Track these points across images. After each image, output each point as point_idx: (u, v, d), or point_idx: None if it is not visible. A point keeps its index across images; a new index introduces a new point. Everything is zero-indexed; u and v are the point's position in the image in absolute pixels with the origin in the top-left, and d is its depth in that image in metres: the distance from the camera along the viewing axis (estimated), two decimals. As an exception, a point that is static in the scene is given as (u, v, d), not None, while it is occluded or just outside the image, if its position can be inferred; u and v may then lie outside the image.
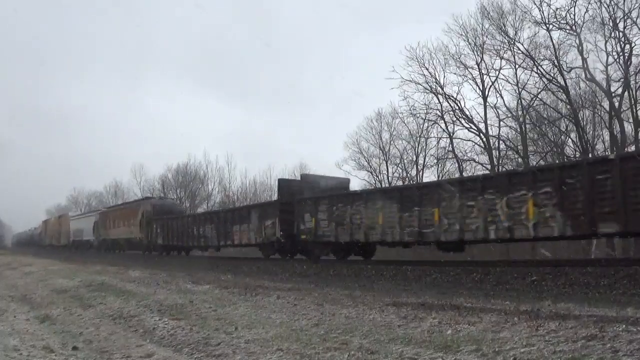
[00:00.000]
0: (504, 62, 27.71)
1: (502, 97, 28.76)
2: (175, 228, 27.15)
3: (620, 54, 23.48)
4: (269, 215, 19.18)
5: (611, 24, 23.33)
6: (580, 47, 24.17)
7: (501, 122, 28.94)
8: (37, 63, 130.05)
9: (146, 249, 30.51)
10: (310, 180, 19.82)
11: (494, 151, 28.94)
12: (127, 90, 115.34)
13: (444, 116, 30.00)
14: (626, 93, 23.69)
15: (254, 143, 77.46)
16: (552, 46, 25.28)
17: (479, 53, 28.32)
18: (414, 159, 34.43)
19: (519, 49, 26.70)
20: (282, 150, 72.02)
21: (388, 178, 35.97)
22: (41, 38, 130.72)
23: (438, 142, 32.30)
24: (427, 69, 29.75)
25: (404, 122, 33.95)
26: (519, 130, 28.02)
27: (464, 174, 29.05)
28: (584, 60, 24.30)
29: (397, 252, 16.82)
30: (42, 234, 60.91)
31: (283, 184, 20.34)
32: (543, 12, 25.13)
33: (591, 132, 26.56)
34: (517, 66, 27.13)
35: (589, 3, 23.51)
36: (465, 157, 30.61)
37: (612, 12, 23.18)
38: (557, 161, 24.47)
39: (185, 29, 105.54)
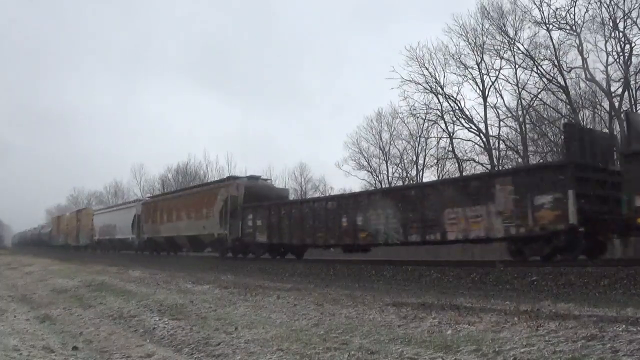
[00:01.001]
0: (504, 62, 27.79)
1: (502, 97, 28.82)
2: (295, 218, 18.02)
3: (620, 54, 23.51)
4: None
5: (611, 24, 23.36)
6: (580, 47, 24.22)
7: (501, 122, 29.01)
8: (37, 63, 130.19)
9: (230, 250, 21.72)
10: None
11: (494, 151, 28.99)
12: (127, 90, 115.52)
13: (444, 116, 30.07)
14: (626, 93, 23.71)
15: (254, 143, 77.59)
16: (552, 46, 25.34)
17: (479, 53, 28.39)
18: (414, 159, 34.49)
19: (519, 49, 26.76)
20: (282, 150, 72.16)
21: (388, 178, 36.01)
22: (41, 38, 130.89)
23: (438, 142, 32.38)
24: (427, 69, 29.84)
25: (404, 122, 34.05)
26: (519, 130, 28.06)
27: (463, 173, 29.07)
28: (584, 60, 24.34)
29: (398, 251, 16.97)
30: (52, 232, 53.91)
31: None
32: (543, 12, 25.20)
33: (591, 132, 26.54)
34: (517, 66, 27.20)
35: (589, 3, 23.57)
36: (465, 157, 30.66)
37: (612, 12, 23.23)
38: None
39: (185, 29, 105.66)
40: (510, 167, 26.31)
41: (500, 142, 28.99)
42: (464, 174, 29.03)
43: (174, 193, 31.08)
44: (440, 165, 33.48)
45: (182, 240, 25.64)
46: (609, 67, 23.91)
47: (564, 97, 25.84)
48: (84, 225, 41.94)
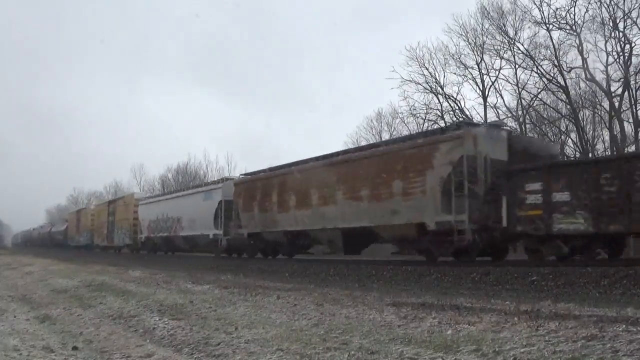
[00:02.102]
0: (504, 62, 27.79)
1: (502, 97, 28.83)
2: None
3: (620, 54, 23.52)
4: None
5: (611, 24, 23.37)
6: (580, 47, 24.23)
7: (501, 122, 28.98)
8: (37, 63, 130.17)
9: (472, 248, 12.26)
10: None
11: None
12: (127, 90, 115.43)
13: (444, 116, 30.02)
14: (626, 93, 23.72)
15: (254, 143, 77.54)
16: (552, 46, 25.34)
17: (479, 53, 28.39)
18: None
19: (519, 49, 26.76)
20: (282, 149, 72.08)
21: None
22: (41, 38, 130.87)
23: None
24: (427, 69, 29.82)
25: (404, 122, 34.00)
26: (519, 130, 28.05)
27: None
28: (584, 60, 24.35)
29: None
30: (70, 230, 46.27)
31: None
32: (543, 12, 25.21)
33: (591, 132, 26.61)
34: (517, 66, 27.21)
35: (589, 3, 23.58)
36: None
37: (612, 12, 23.24)
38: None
39: (185, 29, 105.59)
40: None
41: (501, 142, 28.97)
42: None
43: (313, 161, 17.26)
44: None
45: (333, 236, 15.79)
46: (609, 67, 23.94)
47: (564, 97, 25.84)
48: (121, 219, 32.05)
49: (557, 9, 24.79)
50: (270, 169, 19.40)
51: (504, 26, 27.10)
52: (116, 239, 33.22)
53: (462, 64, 28.94)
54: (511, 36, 26.93)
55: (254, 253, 20.28)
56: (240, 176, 23.26)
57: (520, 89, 27.26)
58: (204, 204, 22.73)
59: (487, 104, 28.74)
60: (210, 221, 22.11)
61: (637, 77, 23.27)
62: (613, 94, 23.98)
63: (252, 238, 19.45)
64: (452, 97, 29.77)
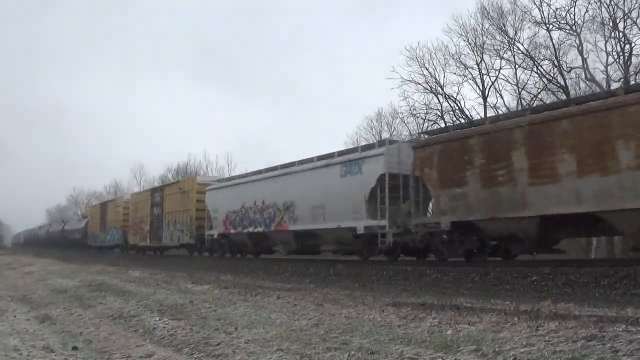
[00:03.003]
0: (504, 62, 27.72)
1: (502, 97, 28.78)
2: None
3: (620, 54, 23.49)
4: None
5: (611, 24, 23.33)
6: (580, 47, 24.19)
7: (501, 122, 28.93)
8: (36, 63, 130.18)
9: None
10: None
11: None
12: (127, 90, 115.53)
13: (444, 116, 29.98)
14: (626, 93, 23.65)
15: (254, 142, 77.54)
16: (552, 46, 25.28)
17: (479, 53, 28.31)
18: (414, 159, 34.35)
19: (519, 49, 26.70)
20: (283, 149, 72.15)
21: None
22: (40, 37, 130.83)
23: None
24: (427, 69, 29.73)
25: (404, 122, 33.92)
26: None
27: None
28: (584, 60, 24.31)
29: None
30: (91, 227, 37.38)
31: None
32: (543, 12, 25.14)
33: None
34: (517, 66, 27.14)
35: (589, 3, 23.52)
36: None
37: (612, 12, 23.19)
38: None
39: (185, 28, 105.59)
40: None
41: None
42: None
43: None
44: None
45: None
46: (609, 67, 23.90)
47: (564, 97, 25.81)
48: (175, 211, 23.62)
49: (557, 9, 24.76)
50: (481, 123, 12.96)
51: (504, 26, 27.07)
52: (167, 238, 24.14)
53: (462, 64, 28.91)
54: (511, 36, 26.90)
55: (464, 253, 12.31)
56: (423, 137, 15.63)
57: (520, 89, 27.23)
58: (344, 182, 14.95)
59: (487, 104, 28.71)
60: (358, 206, 14.35)
61: (637, 77, 23.25)
62: (613, 94, 23.95)
63: (460, 230, 11.95)
64: (452, 97, 29.73)
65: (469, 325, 5.17)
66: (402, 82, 29.67)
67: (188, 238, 22.67)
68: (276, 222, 17.40)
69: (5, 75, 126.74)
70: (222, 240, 20.78)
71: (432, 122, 30.84)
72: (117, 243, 32.14)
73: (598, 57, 24.10)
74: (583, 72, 24.91)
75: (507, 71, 28.04)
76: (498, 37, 27.40)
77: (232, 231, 19.79)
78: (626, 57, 23.26)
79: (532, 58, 26.19)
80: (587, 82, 25.12)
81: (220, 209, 20.62)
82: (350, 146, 29.49)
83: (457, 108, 29.73)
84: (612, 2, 23.03)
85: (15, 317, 7.91)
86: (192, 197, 22.77)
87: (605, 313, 5.32)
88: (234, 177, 22.64)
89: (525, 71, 26.95)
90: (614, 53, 23.69)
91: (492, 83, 28.46)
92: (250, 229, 18.68)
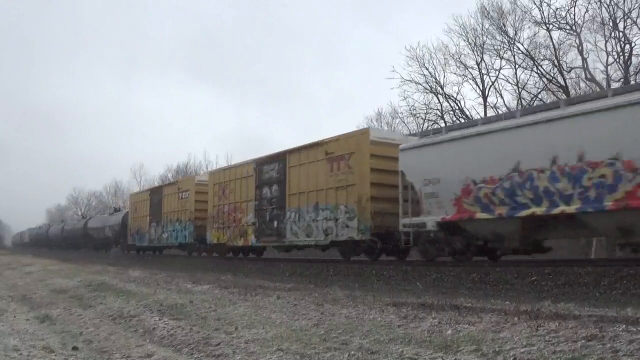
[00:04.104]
0: (504, 62, 27.72)
1: (502, 97, 28.81)
2: None
3: (620, 54, 23.49)
4: None
5: (611, 24, 23.33)
6: (580, 47, 24.19)
7: (501, 122, 28.91)
8: (35, 62, 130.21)
9: None
10: None
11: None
12: (127, 90, 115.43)
13: (444, 116, 29.98)
14: (626, 93, 23.64)
15: (254, 142, 77.37)
16: (552, 46, 25.29)
17: (479, 53, 28.31)
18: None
19: (519, 49, 26.70)
20: (282, 149, 72.09)
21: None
22: (39, 36, 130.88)
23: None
24: (427, 69, 29.72)
25: (404, 122, 33.87)
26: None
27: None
28: (584, 60, 24.31)
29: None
30: (133, 222, 27.53)
31: None
32: (543, 12, 25.14)
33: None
34: (517, 66, 27.14)
35: (589, 3, 23.52)
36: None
37: (612, 12, 23.19)
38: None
39: (184, 26, 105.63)
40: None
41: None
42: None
43: None
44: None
45: None
46: (609, 67, 23.90)
47: (564, 97, 25.82)
48: (319, 188, 14.30)
49: (557, 9, 24.75)
50: None
51: (504, 26, 27.06)
52: (304, 232, 14.72)
53: (462, 64, 28.90)
54: (511, 36, 26.90)
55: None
56: None
57: (520, 89, 27.23)
58: None
59: (487, 104, 28.70)
60: None
61: (637, 77, 23.25)
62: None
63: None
64: (452, 97, 29.72)
65: (469, 325, 5.17)
66: (402, 82, 29.66)
67: (358, 232, 12.98)
68: (622, 193, 8.62)
69: (5, 75, 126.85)
70: (445, 233, 11.56)
71: (432, 122, 30.85)
72: (189, 241, 21.77)
73: (598, 57, 24.11)
74: (583, 72, 24.92)
75: (507, 71, 28.08)
76: (498, 37, 27.40)
77: (484, 215, 10.57)
78: (626, 57, 23.26)
79: (532, 58, 26.19)
80: (587, 82, 25.12)
81: (445, 178, 11.38)
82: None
83: (457, 108, 29.74)
84: (612, 2, 23.03)
85: (15, 317, 7.91)
86: (362, 164, 12.98)
87: (605, 313, 5.32)
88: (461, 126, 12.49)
89: (525, 71, 26.96)
90: (614, 53, 23.71)
91: (492, 83, 28.47)
92: (539, 209, 9.65)
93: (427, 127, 31.69)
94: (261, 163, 17.21)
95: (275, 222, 16.07)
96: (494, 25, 27.40)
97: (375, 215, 12.85)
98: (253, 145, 78.55)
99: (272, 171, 16.62)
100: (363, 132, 13.76)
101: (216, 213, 19.34)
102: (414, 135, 15.15)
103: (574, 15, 24.11)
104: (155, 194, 25.62)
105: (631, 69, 23.24)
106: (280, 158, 16.34)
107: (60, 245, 44.68)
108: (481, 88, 28.84)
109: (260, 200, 16.84)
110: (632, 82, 23.00)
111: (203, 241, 20.57)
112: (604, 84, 24.11)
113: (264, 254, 19.56)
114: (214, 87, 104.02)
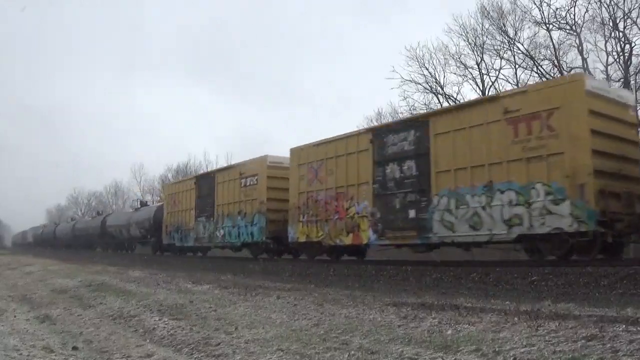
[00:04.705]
0: (504, 62, 27.71)
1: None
2: None
3: (620, 54, 23.50)
4: None
5: (611, 24, 23.34)
6: (580, 47, 24.21)
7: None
8: (36, 62, 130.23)
9: None
10: None
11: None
12: (127, 90, 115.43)
13: (445, 116, 29.93)
14: (626, 93, 23.68)
15: (254, 142, 77.27)
16: (552, 46, 25.30)
17: (479, 53, 28.30)
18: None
19: (519, 49, 26.70)
20: (283, 149, 72.08)
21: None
22: (40, 37, 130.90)
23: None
24: (427, 69, 29.71)
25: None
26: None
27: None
28: (584, 60, 24.33)
29: (398, 251, 16.38)
30: (170, 218, 22.97)
31: None
32: (543, 12, 25.14)
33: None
34: (517, 66, 27.13)
35: (589, 3, 23.53)
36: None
37: (612, 12, 23.19)
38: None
39: (185, 28, 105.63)
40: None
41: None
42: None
43: None
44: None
45: None
46: (609, 67, 23.91)
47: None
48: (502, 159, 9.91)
49: (557, 9, 24.77)
50: None
51: (504, 26, 27.06)
52: (466, 223, 10.52)
53: (462, 64, 28.88)
54: (511, 36, 26.90)
55: None
56: None
57: (520, 89, 27.27)
58: None
59: (487, 103, 28.73)
60: None
61: (637, 77, 23.26)
62: (613, 94, 23.96)
63: None
64: (452, 97, 29.72)
65: (469, 325, 5.17)
66: (402, 82, 29.65)
67: (569, 220, 9.08)
68: None
69: (5, 74, 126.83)
70: None
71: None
72: (252, 241, 17.22)
73: (598, 57, 24.12)
74: (583, 72, 24.93)
75: (507, 71, 28.05)
76: (498, 37, 27.39)
77: None
78: (626, 57, 23.27)
79: (532, 58, 26.19)
80: (587, 82, 25.13)
81: None
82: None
83: (457, 108, 29.72)
84: (612, 2, 23.04)
85: (15, 317, 7.91)
86: (571, 122, 9.39)
87: (605, 313, 5.32)
88: None
89: (525, 71, 26.96)
90: (614, 53, 23.71)
91: (492, 83, 28.44)
92: None
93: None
94: (383, 132, 12.90)
95: (412, 211, 11.72)
96: (494, 25, 27.41)
97: (603, 196, 9.07)
98: (253, 145, 78.57)
99: (403, 142, 12.27)
100: (575, 79, 10.07)
101: (304, 202, 14.75)
102: None
103: (574, 15, 24.13)
104: (204, 182, 20.64)
105: (631, 69, 23.25)
106: (416, 124, 12.11)
107: (70, 246, 40.55)
108: (481, 88, 28.83)
109: (383, 183, 12.48)
110: (632, 82, 23.03)
111: (279, 239, 16.35)
112: (604, 84, 24.13)
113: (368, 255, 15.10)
114: (214, 87, 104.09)
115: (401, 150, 12.17)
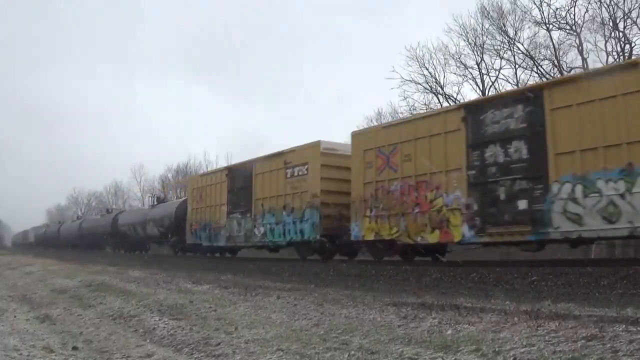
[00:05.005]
0: (504, 62, 27.73)
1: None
2: None
3: (620, 54, 23.50)
4: None
5: (611, 24, 23.34)
6: (580, 47, 24.22)
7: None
8: (35, 61, 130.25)
9: None
10: None
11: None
12: (127, 89, 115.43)
13: (445, 116, 29.92)
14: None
15: (254, 142, 77.20)
16: (552, 46, 25.32)
17: (479, 53, 28.32)
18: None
19: (519, 49, 26.72)
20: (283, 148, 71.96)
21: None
22: (40, 37, 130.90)
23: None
24: (427, 69, 29.73)
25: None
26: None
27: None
28: (584, 60, 24.34)
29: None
30: (196, 215, 20.48)
31: None
32: (543, 12, 25.16)
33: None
34: (517, 66, 27.15)
35: (589, 3, 23.54)
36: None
37: (612, 12, 23.20)
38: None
39: (184, 28, 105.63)
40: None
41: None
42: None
43: None
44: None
45: None
46: (609, 68, 23.95)
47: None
48: None
49: (557, 9, 24.80)
50: None
51: (504, 26, 27.08)
52: (598, 215, 8.77)
53: (462, 64, 28.91)
54: (511, 36, 26.92)
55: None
56: None
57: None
58: None
59: (487, 104, 28.74)
60: None
61: (637, 77, 23.27)
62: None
63: None
64: (452, 97, 29.75)
65: (469, 325, 5.17)
66: (402, 82, 29.66)
67: None
68: None
69: (5, 74, 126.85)
70: None
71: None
72: (302, 239, 14.87)
73: (598, 57, 24.12)
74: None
75: (507, 71, 28.09)
76: (498, 37, 27.41)
77: None
78: (626, 57, 23.25)
79: (532, 58, 26.21)
80: (587, 82, 25.14)
81: None
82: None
83: (457, 108, 29.72)
84: (612, 2, 23.04)
85: (15, 317, 7.91)
86: None
87: (605, 313, 5.32)
88: None
89: (525, 71, 26.98)
90: (614, 53, 23.71)
91: (492, 83, 28.48)
92: None
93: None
94: (478, 109, 10.93)
95: (523, 203, 9.94)
96: (494, 25, 27.43)
97: None
98: (253, 145, 78.56)
99: (508, 120, 10.35)
100: None
101: (372, 194, 12.65)
102: None
103: (574, 15, 24.15)
104: (239, 173, 18.05)
105: (631, 69, 23.24)
106: (524, 98, 10.16)
107: (76, 246, 38.37)
108: (481, 88, 28.85)
109: (482, 169, 10.61)
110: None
111: (333, 238, 14.46)
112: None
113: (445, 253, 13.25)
114: (214, 87, 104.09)
115: (506, 130, 10.25)
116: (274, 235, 15.82)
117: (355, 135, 13.82)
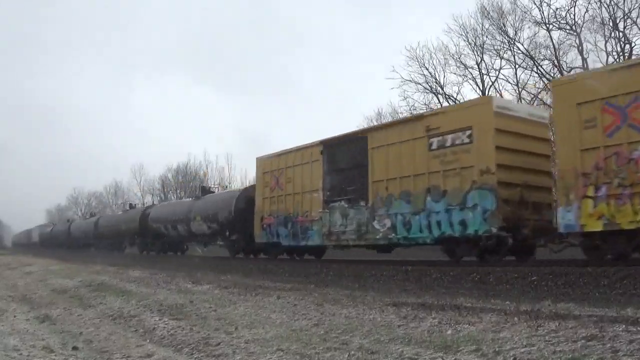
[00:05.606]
0: (504, 62, 27.77)
1: (502, 97, 28.82)
2: None
3: (620, 54, 23.51)
4: None
5: (611, 24, 23.37)
6: (580, 47, 24.28)
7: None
8: (35, 61, 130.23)
9: None
10: None
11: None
12: (127, 89, 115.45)
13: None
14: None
15: (254, 142, 77.35)
16: (552, 46, 25.36)
17: (479, 53, 28.37)
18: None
19: (519, 49, 26.78)
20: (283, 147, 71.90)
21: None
22: (40, 37, 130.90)
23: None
24: (427, 69, 29.78)
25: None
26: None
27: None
28: (584, 60, 24.38)
29: (397, 251, 15.94)
30: (264, 206, 16.15)
31: None
32: (543, 12, 25.24)
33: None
34: (517, 66, 27.19)
35: (589, 3, 23.60)
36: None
37: (612, 12, 23.24)
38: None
39: (184, 27, 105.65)
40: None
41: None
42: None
43: None
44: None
45: None
46: (609, 67, 23.96)
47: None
48: None
49: (557, 9, 24.89)
50: None
51: (504, 26, 27.13)
52: None
53: (462, 64, 28.99)
54: (511, 36, 26.98)
55: None
56: None
57: (520, 89, 27.30)
58: None
59: (487, 104, 28.74)
60: None
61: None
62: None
63: None
64: (452, 97, 29.80)
65: (469, 325, 5.17)
66: (402, 82, 29.70)
67: None
68: None
69: (4, 74, 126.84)
70: None
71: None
72: (461, 235, 10.92)
73: (598, 57, 24.18)
74: (583, 72, 24.96)
75: (507, 71, 28.16)
76: (498, 37, 27.49)
77: None
78: (626, 57, 23.29)
79: (532, 58, 26.26)
80: (587, 82, 25.15)
81: None
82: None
83: (457, 108, 29.73)
84: (612, 2, 23.08)
85: (15, 317, 7.90)
86: None
87: (605, 313, 5.32)
88: None
89: (525, 71, 27.02)
90: (614, 53, 23.74)
91: (492, 83, 28.54)
92: None
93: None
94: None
95: None
96: (494, 25, 27.49)
97: None
98: (253, 145, 78.52)
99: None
100: None
101: (597, 165, 8.81)
102: None
103: (574, 15, 24.22)
104: (343, 148, 13.97)
105: (631, 69, 23.25)
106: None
107: (91, 246, 34.39)
108: (481, 88, 28.90)
109: None
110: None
111: (514, 230, 10.43)
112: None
113: None
114: (214, 87, 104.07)
115: None
116: (412, 229, 11.84)
117: (558, 84, 10.32)
